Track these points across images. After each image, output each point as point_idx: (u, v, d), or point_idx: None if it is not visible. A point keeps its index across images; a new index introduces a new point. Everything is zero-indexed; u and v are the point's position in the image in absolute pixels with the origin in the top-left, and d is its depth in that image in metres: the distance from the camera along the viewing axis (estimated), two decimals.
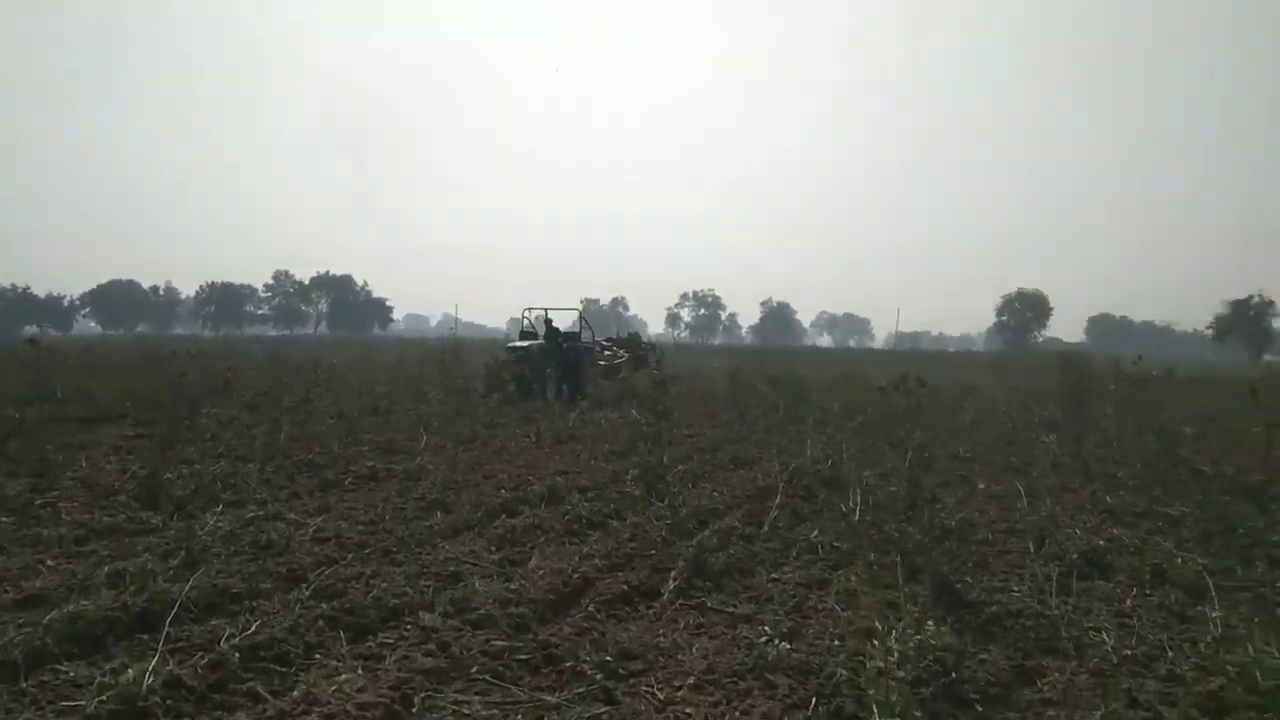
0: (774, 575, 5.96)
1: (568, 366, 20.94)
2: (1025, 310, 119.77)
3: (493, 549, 6.45)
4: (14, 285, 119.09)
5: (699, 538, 6.48)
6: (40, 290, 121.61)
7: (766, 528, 7.30)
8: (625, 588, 5.48)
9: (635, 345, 25.24)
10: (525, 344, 21.41)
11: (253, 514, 7.16)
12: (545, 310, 22.53)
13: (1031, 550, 6.92)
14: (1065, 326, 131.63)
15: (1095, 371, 16.35)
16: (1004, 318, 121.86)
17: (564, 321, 23.41)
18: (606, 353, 23.68)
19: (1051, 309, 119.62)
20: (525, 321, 23.21)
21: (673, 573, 5.68)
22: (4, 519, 6.72)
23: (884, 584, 5.80)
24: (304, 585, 5.30)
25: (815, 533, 7.14)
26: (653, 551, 6.41)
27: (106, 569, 5.51)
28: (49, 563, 5.70)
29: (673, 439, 8.79)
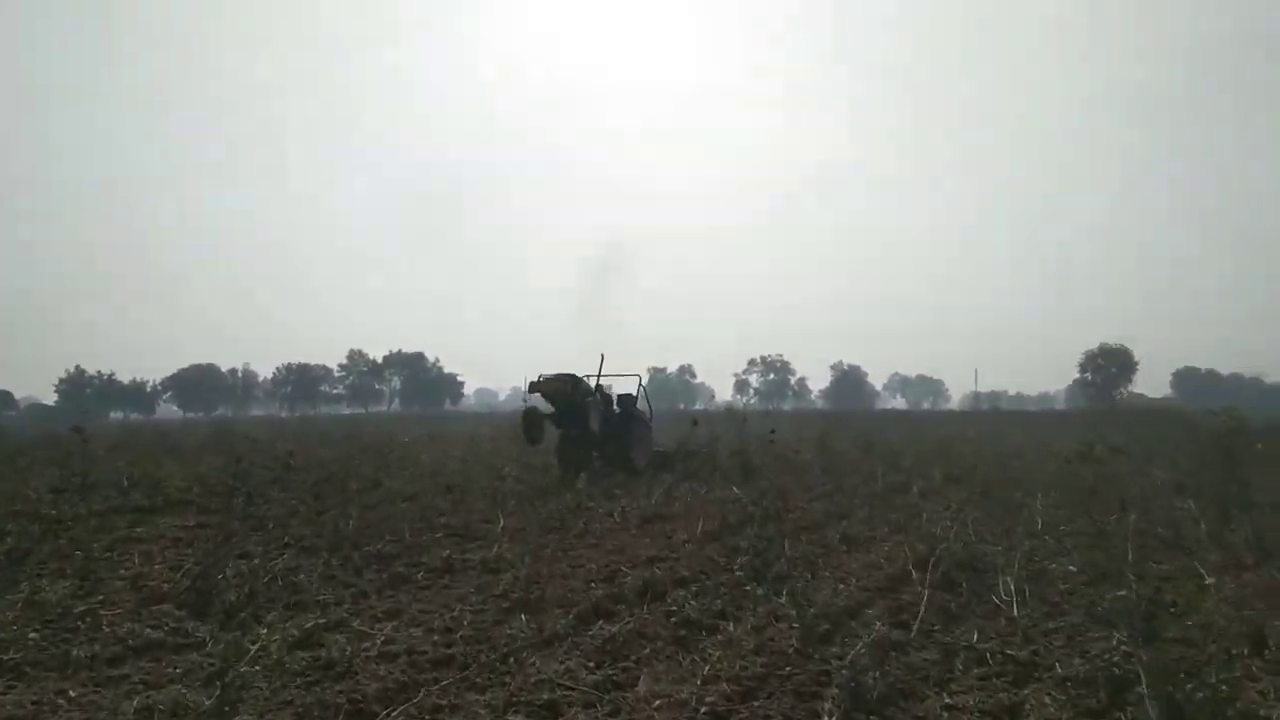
0: (948, 700, 4.75)
1: (615, 431, 18.81)
2: (1109, 366, 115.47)
3: (590, 664, 5.37)
4: (99, 372, 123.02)
5: (850, 654, 5.27)
6: (124, 376, 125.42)
7: (915, 630, 6.08)
8: None
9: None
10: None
11: (312, 622, 6.19)
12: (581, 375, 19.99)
13: (1246, 652, 5.59)
14: (1150, 381, 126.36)
15: (1200, 426, 14.88)
16: (1087, 374, 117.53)
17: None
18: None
19: (1137, 363, 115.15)
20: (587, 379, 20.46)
21: (825, 704, 4.50)
22: (33, 634, 5.85)
23: (1092, 710, 4.58)
24: None
25: (975, 636, 5.90)
26: (788, 669, 5.25)
27: (136, 702, 4.59)
28: (72, 693, 4.78)
29: (774, 515, 7.67)
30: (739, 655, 5.45)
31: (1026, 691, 4.89)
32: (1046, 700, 4.73)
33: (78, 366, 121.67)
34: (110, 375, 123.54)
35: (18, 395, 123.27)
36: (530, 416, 17.91)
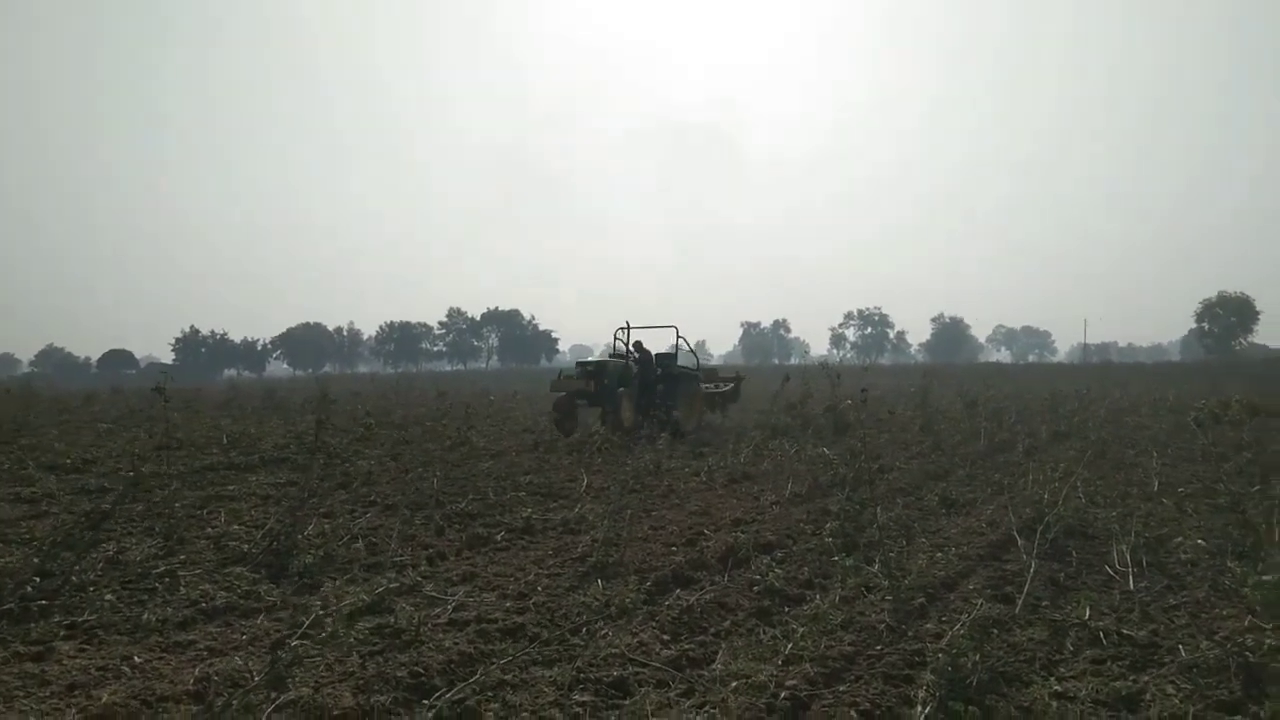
0: (1056, 687, 4.28)
1: (662, 394, 18.08)
2: (1228, 315, 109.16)
3: (665, 637, 5.06)
4: (213, 332, 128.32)
5: (947, 634, 4.83)
6: (236, 336, 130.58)
7: (1020, 605, 5.58)
8: (855, 715, 3.95)
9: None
10: (599, 360, 18.26)
11: (384, 586, 6.05)
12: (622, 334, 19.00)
13: None
14: (1272, 331, 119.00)
15: None
16: (1204, 324, 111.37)
17: (659, 346, 19.89)
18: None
19: (1259, 312, 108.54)
20: (616, 344, 19.15)
21: (919, 691, 4.09)
22: (110, 595, 5.85)
23: (1223, 702, 4.06)
24: (426, 704, 4.07)
25: (1087, 612, 5.38)
26: (878, 648, 4.84)
27: (197, 670, 4.48)
28: (137, 659, 4.71)
29: (867, 477, 7.21)
30: (825, 631, 5.06)
31: (1146, 678, 4.38)
32: (1169, 689, 4.22)
33: (192, 326, 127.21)
34: (223, 334, 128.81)
35: (139, 355, 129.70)
36: (561, 408, 17.37)
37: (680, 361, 19.10)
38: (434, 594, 5.98)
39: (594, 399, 17.15)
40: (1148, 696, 4.16)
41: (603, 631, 5.16)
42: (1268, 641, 4.53)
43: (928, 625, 5.25)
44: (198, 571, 6.64)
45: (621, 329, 18.56)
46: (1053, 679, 4.42)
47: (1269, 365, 56.82)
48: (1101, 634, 5.01)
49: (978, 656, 4.27)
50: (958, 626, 4.83)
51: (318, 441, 8.33)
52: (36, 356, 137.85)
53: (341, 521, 8.50)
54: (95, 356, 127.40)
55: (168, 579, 6.40)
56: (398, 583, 6.19)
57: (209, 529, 8.28)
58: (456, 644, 4.88)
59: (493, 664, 4.56)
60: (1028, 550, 6.85)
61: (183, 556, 7.12)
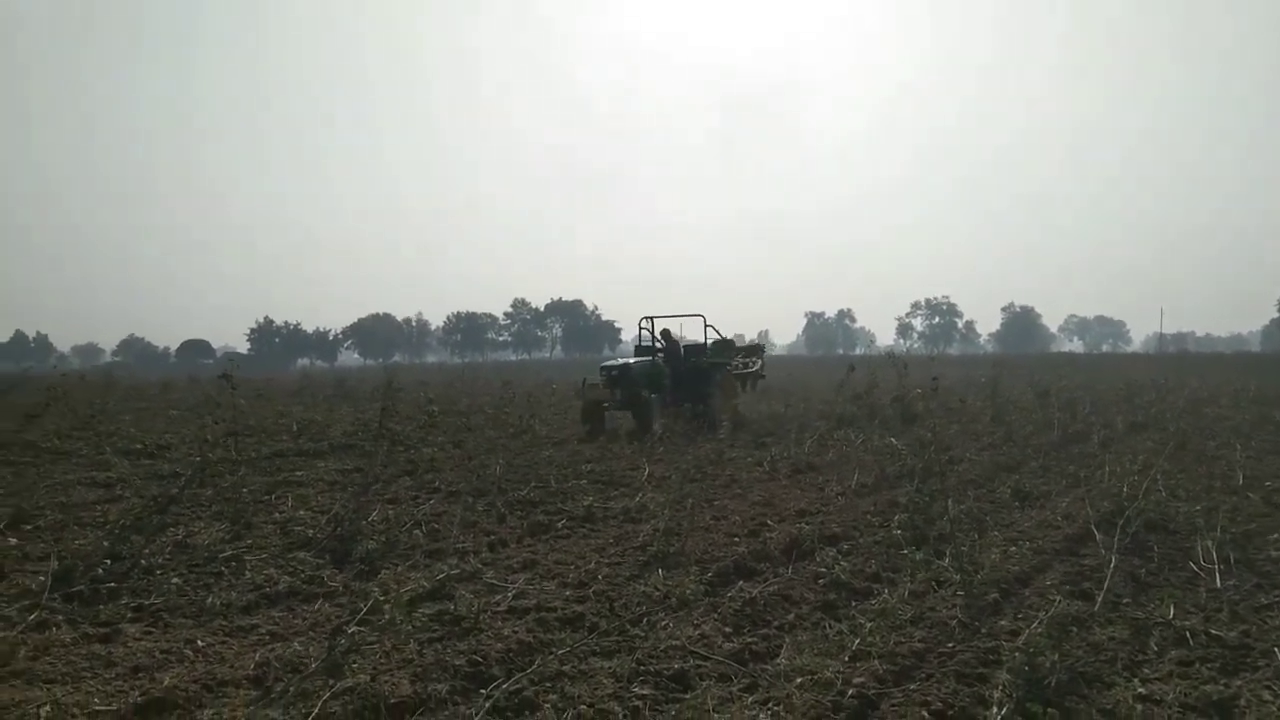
0: (1141, 689, 4.06)
1: (691, 385, 17.05)
2: None
3: (728, 629, 4.94)
4: (286, 323, 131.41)
5: (1024, 631, 4.61)
6: (309, 326, 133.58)
7: (1100, 602, 5.33)
8: (927, 716, 3.78)
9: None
10: (621, 362, 16.87)
11: (445, 573, 6.03)
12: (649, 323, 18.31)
13: None
14: None
15: None
16: None
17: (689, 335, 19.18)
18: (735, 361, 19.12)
19: None
20: (641, 334, 18.38)
21: (994, 691, 3.89)
22: (176, 578, 5.94)
23: None
24: (484, 693, 4.01)
25: (1171, 611, 5.11)
26: (950, 645, 4.65)
27: (258, 655, 4.49)
28: (200, 642, 4.74)
29: (936, 468, 6.99)
30: (894, 626, 4.89)
31: (1239, 682, 4.13)
32: (1266, 695, 3.97)
33: (267, 317, 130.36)
34: (296, 325, 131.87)
35: (215, 345, 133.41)
36: (588, 410, 16.42)
37: (711, 348, 18.44)
38: (494, 581, 5.94)
39: (620, 404, 16.09)
40: (1241, 702, 3.91)
41: (663, 622, 5.06)
42: None
43: (1002, 622, 5.04)
44: (263, 556, 6.72)
45: (646, 319, 18.23)
46: (1136, 680, 4.19)
47: None
48: (1188, 634, 4.76)
49: (1056, 656, 4.07)
50: (1035, 624, 4.61)
51: (381, 429, 8.37)
52: (119, 346, 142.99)
53: (405, 508, 8.54)
54: (174, 346, 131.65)
55: (233, 563, 6.48)
56: (458, 569, 6.17)
57: (276, 514, 8.39)
58: (515, 632, 4.82)
59: (551, 654, 4.49)
60: (1106, 545, 6.56)
61: (249, 541, 7.21)
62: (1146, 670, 4.35)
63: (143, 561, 6.26)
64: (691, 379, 17.21)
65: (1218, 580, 5.82)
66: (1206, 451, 12.44)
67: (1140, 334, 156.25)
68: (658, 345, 17.96)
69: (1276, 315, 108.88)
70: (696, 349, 18.16)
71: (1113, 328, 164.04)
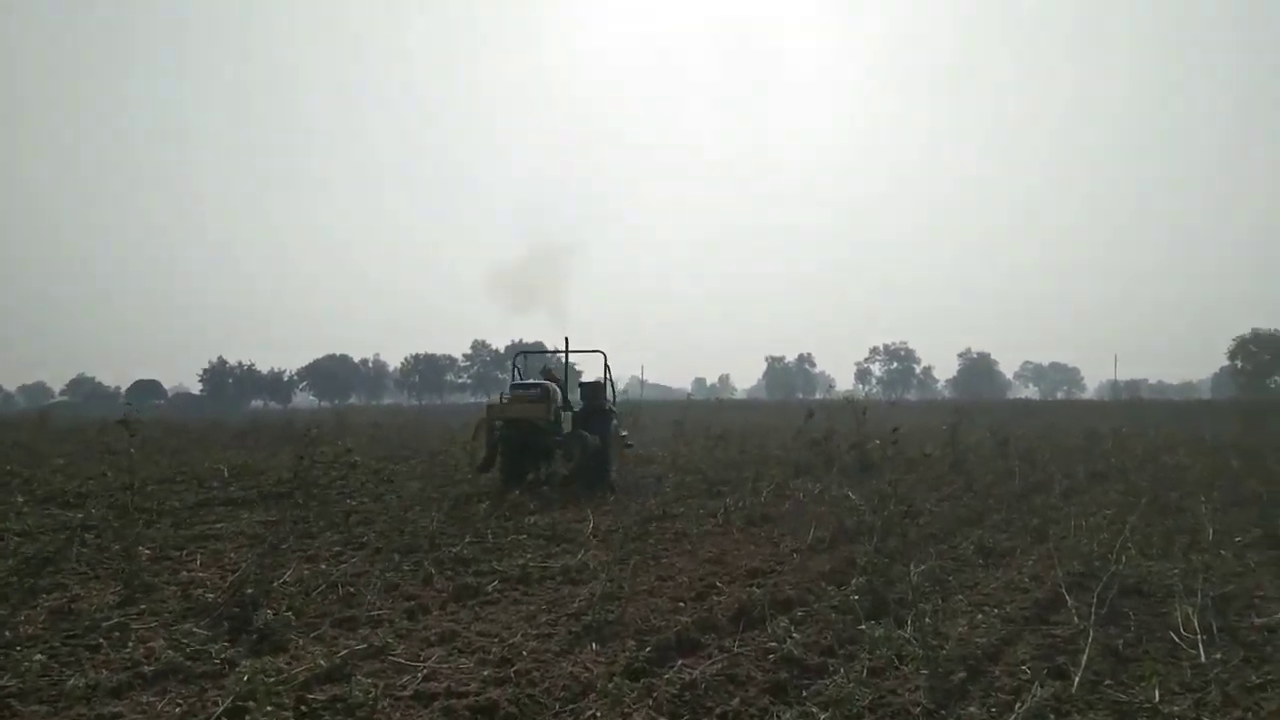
0: None
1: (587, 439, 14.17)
2: (1263, 353, 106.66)
3: None
4: (240, 363, 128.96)
5: None
6: (264, 367, 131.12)
7: (1078, 682, 4.80)
8: None
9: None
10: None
11: (349, 648, 5.36)
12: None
13: None
14: None
15: None
16: (1236, 361, 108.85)
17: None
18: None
19: None
20: (515, 373, 16.27)
21: None
22: (39, 655, 5.19)
23: None
24: None
25: (1156, 694, 4.58)
26: None
27: None
28: None
29: (896, 525, 6.50)
30: (850, 717, 4.31)
31: None
32: None
33: (220, 357, 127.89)
34: (250, 365, 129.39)
35: (168, 385, 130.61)
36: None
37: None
38: (400, 659, 5.27)
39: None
40: None
41: (590, 711, 4.43)
42: None
43: (971, 708, 4.48)
44: (153, 624, 6.02)
45: (520, 354, 17.33)
46: None
47: None
48: None
49: None
50: (1011, 718, 4.05)
51: (296, 480, 7.68)
52: (67, 385, 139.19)
53: (324, 567, 7.84)
54: (125, 386, 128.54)
55: (117, 633, 5.77)
56: (365, 644, 5.49)
57: (182, 573, 7.67)
58: None
59: None
60: (1080, 613, 6.06)
61: (143, 606, 6.49)
62: None
63: (6, 633, 5.53)
64: (588, 426, 14.70)
65: (1202, 654, 5.33)
66: (1171, 504, 12.08)
67: (1094, 381, 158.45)
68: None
69: (1226, 364, 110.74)
70: (595, 389, 16.00)
71: (1067, 374, 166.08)
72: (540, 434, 13.92)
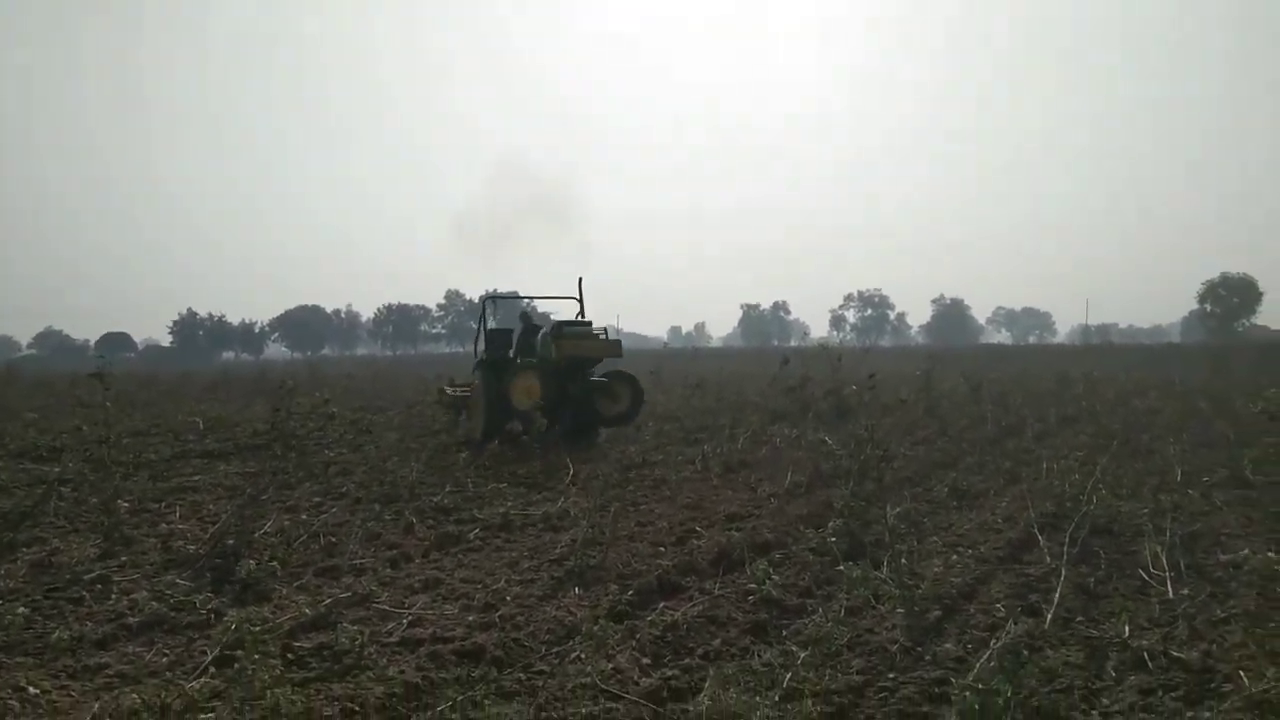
0: None
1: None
2: (1232, 296, 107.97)
3: (646, 661, 4.40)
4: (211, 314, 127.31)
5: (975, 666, 4.14)
6: (234, 318, 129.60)
7: (1050, 619, 4.92)
8: None
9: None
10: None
11: (333, 595, 5.40)
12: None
13: None
14: (1274, 313, 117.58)
15: None
16: (1206, 305, 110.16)
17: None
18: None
19: (1262, 294, 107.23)
20: (485, 319, 14.98)
21: None
22: (23, 608, 5.18)
23: None
24: None
25: (1126, 629, 4.71)
26: (892, 676, 4.18)
27: (97, 705, 3.82)
28: (32, 689, 4.05)
29: (872, 468, 6.60)
30: (829, 654, 4.41)
31: (1207, 714, 3.72)
32: None
33: (190, 309, 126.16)
34: (221, 317, 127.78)
35: (137, 338, 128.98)
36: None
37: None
38: (387, 607, 5.31)
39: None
40: None
41: (574, 654, 4.50)
42: None
43: (947, 645, 4.58)
44: (135, 576, 6.03)
45: (488, 298, 16.11)
46: (1096, 714, 3.77)
47: (1276, 348, 56.05)
48: (1147, 656, 4.35)
49: (1009, 690, 3.61)
50: (985, 655, 4.15)
51: (274, 431, 7.66)
52: (35, 339, 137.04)
53: (304, 517, 7.84)
54: (94, 339, 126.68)
55: (99, 586, 5.77)
56: (350, 592, 5.53)
57: (161, 525, 7.66)
58: (403, 671, 4.21)
59: (441, 698, 3.90)
60: (1052, 552, 6.20)
61: (124, 559, 6.48)
62: (1105, 700, 3.93)
63: None
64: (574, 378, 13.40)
65: (1170, 590, 5.47)
66: (1141, 446, 12.30)
67: (1065, 325, 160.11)
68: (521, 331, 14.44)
69: (1195, 307, 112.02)
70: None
71: (1039, 319, 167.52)
72: (588, 376, 13.56)
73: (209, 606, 5.30)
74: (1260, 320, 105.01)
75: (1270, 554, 5.95)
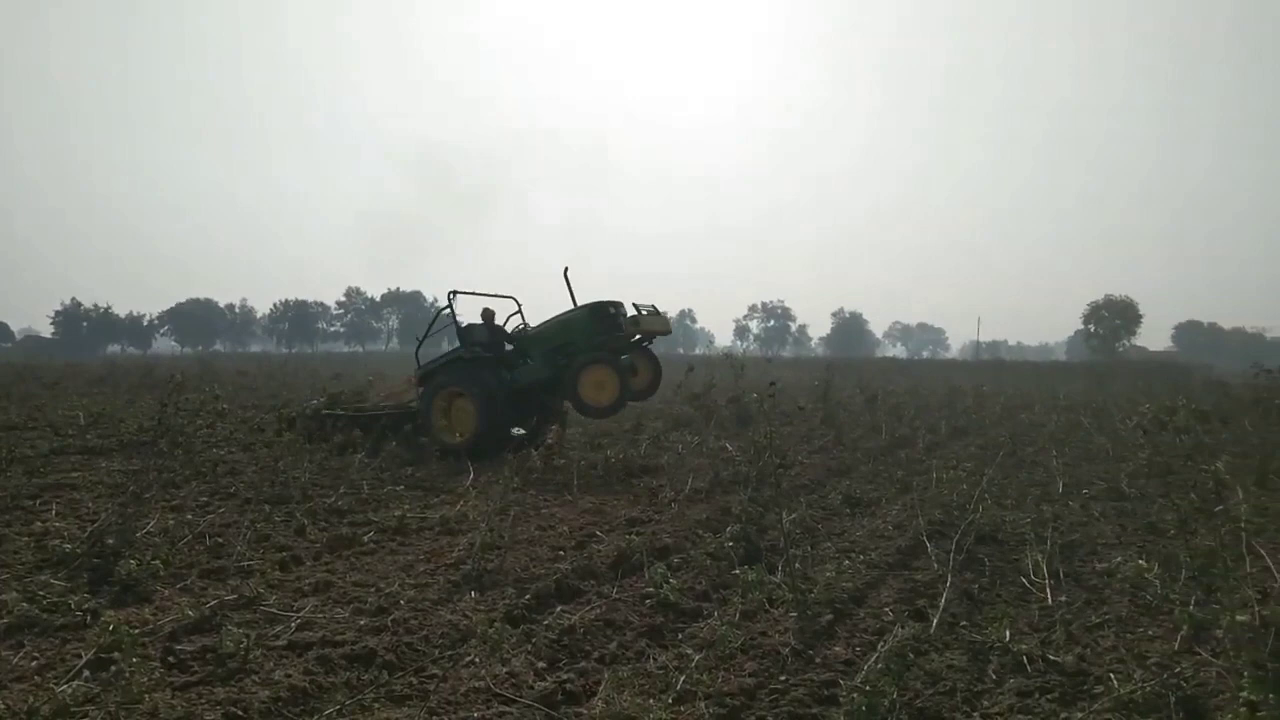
0: None
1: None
2: (1114, 318, 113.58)
3: (541, 665, 4.38)
4: (96, 305, 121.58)
5: (862, 663, 4.25)
6: (121, 310, 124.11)
7: (936, 623, 5.08)
8: None
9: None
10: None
11: (218, 597, 5.21)
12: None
13: None
14: (1151, 335, 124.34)
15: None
16: (1090, 325, 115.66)
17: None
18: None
19: (1141, 316, 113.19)
20: (453, 315, 13.29)
21: None
22: None
23: None
24: None
25: (1008, 633, 4.90)
26: (783, 679, 4.25)
27: None
28: None
29: (770, 475, 6.72)
30: (723, 657, 4.46)
31: (1080, 715, 3.90)
32: None
33: (74, 299, 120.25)
34: (107, 308, 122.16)
35: (15, 328, 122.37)
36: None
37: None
38: (273, 609, 5.15)
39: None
40: None
41: (469, 657, 4.44)
42: (1203, 671, 4.13)
43: (837, 648, 4.70)
44: (4, 576, 5.69)
45: (453, 293, 13.18)
46: (976, 715, 3.91)
47: (1151, 367, 59.33)
48: (1025, 659, 4.53)
49: (895, 692, 3.72)
50: (873, 658, 4.26)
51: (160, 428, 7.36)
52: None
53: (190, 517, 7.55)
54: None
55: None
56: (236, 595, 5.35)
57: (37, 523, 7.27)
58: (290, 675, 4.09)
59: (328, 702, 3.81)
60: (939, 558, 6.41)
61: None
62: (986, 702, 4.07)
63: None
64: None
65: (1049, 596, 5.71)
66: (1025, 458, 12.82)
67: (958, 341, 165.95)
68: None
69: (1080, 328, 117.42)
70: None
71: (933, 335, 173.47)
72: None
73: (85, 607, 5.05)
74: (1139, 341, 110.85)
75: (1141, 562, 6.26)
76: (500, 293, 13.82)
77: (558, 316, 12.93)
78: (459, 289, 13.11)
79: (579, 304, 12.86)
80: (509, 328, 13.72)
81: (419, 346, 13.78)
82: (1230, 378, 35.16)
